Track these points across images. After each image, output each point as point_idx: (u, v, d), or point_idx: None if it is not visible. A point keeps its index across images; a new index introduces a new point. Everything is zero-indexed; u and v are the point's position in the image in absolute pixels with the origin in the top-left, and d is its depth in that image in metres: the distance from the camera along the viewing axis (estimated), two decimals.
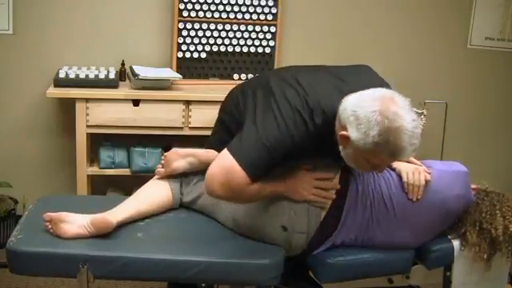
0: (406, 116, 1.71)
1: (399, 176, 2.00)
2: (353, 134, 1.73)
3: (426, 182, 1.97)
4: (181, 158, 2.12)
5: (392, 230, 1.97)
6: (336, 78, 1.93)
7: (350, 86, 1.86)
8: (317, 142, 1.84)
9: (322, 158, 1.98)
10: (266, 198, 1.95)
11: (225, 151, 1.84)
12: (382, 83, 1.93)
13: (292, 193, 1.95)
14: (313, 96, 1.84)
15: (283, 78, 1.95)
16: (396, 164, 2.04)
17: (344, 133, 1.75)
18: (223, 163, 1.82)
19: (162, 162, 2.14)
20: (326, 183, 1.96)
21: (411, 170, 1.98)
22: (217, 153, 2.11)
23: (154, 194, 2.10)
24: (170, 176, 2.13)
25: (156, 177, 2.16)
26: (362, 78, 1.97)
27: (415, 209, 1.96)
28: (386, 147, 1.71)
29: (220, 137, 2.19)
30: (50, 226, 1.89)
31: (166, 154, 2.16)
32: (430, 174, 1.99)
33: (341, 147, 1.81)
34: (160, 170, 2.13)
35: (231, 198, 1.89)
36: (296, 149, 1.82)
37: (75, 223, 1.88)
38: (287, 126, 1.80)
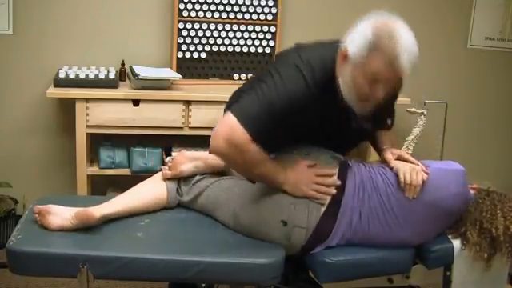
0: (402, 28, 1.87)
1: (396, 175, 2.00)
2: (351, 49, 1.82)
3: (423, 181, 1.97)
4: (188, 161, 2.12)
5: (391, 226, 1.97)
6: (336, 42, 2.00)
7: None
8: (317, 100, 1.87)
9: (325, 128, 1.99)
10: (264, 178, 1.97)
11: (227, 112, 1.88)
12: None
13: (292, 187, 1.96)
14: (314, 54, 1.93)
15: (286, 51, 2.07)
16: (393, 163, 2.04)
17: (344, 51, 1.85)
18: (225, 121, 1.86)
19: (170, 164, 2.14)
20: (326, 179, 1.97)
21: (408, 170, 1.97)
22: None
23: (148, 191, 2.11)
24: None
25: (156, 175, 2.17)
26: None
27: (413, 207, 1.96)
28: (382, 53, 1.79)
29: None
30: (38, 218, 1.92)
31: (173, 156, 2.16)
32: (427, 173, 1.99)
33: (340, 73, 1.88)
34: (167, 172, 2.13)
35: (234, 156, 1.88)
36: (296, 107, 1.85)
37: (60, 215, 1.91)
38: (285, 81, 1.85)
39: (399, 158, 2.06)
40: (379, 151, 2.18)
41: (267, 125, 1.84)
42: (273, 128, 1.85)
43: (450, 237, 2.07)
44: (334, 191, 1.96)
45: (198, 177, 2.11)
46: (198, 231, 2.02)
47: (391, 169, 2.03)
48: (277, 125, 1.85)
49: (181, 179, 2.13)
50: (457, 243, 2.05)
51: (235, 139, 1.82)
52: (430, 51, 3.71)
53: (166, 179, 2.12)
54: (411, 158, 2.06)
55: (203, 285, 1.94)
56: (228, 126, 1.84)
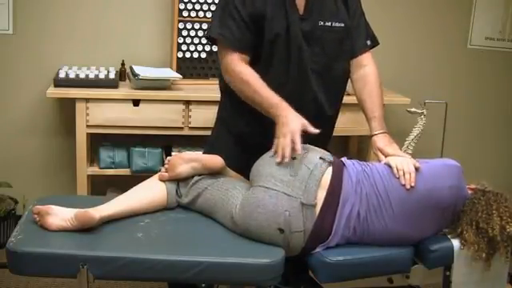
0: None
1: (389, 166, 2.03)
2: None
3: (417, 168, 1.99)
4: (185, 162, 2.11)
5: (390, 222, 1.97)
6: None
7: None
8: None
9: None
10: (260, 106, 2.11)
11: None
12: None
13: (279, 125, 2.03)
14: None
15: None
16: (385, 160, 2.08)
17: None
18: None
19: (166, 166, 2.14)
20: (296, 140, 1.98)
21: (399, 160, 2.03)
22: (220, 158, 2.12)
23: (147, 192, 2.10)
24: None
25: (155, 176, 2.16)
26: None
27: (409, 199, 1.97)
28: None
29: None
30: (37, 219, 1.92)
31: (169, 158, 2.16)
32: (419, 164, 2.02)
33: None
34: (164, 174, 2.13)
35: (234, 82, 2.20)
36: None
37: (60, 216, 1.90)
38: None
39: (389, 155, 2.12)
40: (369, 120, 2.23)
41: (225, 19, 2.12)
42: (235, 22, 2.11)
43: (449, 236, 2.07)
44: (286, 158, 1.95)
45: (196, 178, 2.11)
46: (198, 231, 2.02)
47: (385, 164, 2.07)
48: (237, 19, 2.11)
49: (179, 180, 2.13)
50: (456, 243, 2.05)
51: (221, 57, 2.18)
52: (430, 51, 3.72)
53: (164, 181, 2.12)
54: (401, 153, 2.12)
55: (203, 285, 1.94)
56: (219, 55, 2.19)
